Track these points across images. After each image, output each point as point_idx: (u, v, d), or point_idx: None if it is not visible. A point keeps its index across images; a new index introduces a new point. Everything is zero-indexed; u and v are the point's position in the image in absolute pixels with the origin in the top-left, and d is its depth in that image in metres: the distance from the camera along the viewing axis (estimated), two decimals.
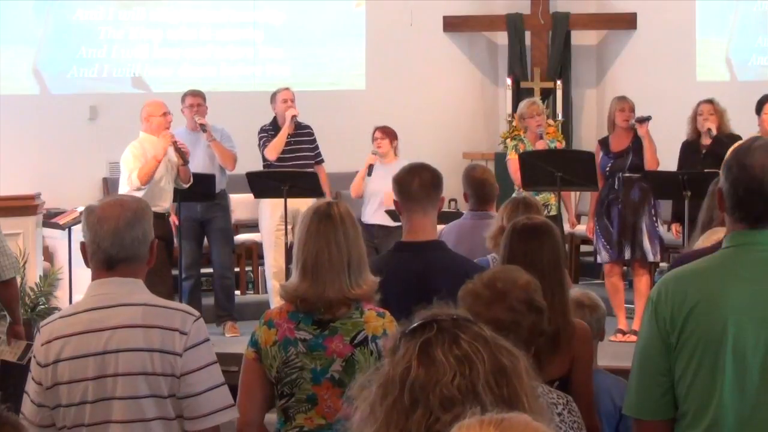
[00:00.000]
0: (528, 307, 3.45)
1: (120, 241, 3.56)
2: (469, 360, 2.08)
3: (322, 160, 10.07)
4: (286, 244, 9.37)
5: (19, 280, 6.30)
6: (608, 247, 9.20)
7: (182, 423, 3.57)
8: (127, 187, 8.78)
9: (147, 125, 9.05)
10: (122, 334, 3.54)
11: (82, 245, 3.66)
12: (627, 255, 9.14)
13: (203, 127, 9.64)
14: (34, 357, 3.64)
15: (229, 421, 3.70)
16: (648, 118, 9.16)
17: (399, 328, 2.21)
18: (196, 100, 9.86)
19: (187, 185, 9.14)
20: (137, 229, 3.58)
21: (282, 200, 9.30)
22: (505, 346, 2.13)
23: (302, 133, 10.01)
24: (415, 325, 2.16)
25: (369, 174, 9.75)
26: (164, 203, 8.91)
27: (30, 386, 3.64)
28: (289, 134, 9.92)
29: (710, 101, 9.26)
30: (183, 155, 8.97)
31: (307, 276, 4.00)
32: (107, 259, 3.58)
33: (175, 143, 8.94)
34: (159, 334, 3.53)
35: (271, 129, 9.97)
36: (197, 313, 3.64)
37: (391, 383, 2.10)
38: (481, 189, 6.40)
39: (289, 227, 9.31)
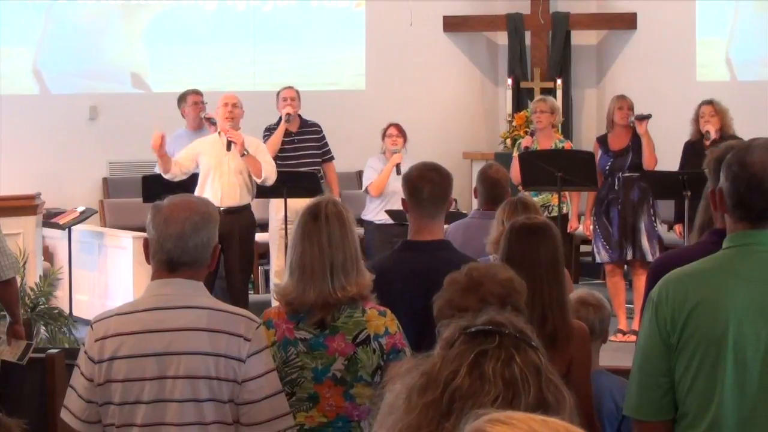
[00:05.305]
0: (501, 302, 3.39)
1: (184, 245, 3.51)
2: (516, 387, 2.00)
3: (331, 158, 10.02)
4: (286, 244, 9.34)
5: (19, 280, 6.28)
6: (607, 247, 9.19)
7: (239, 429, 3.54)
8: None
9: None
10: (186, 336, 3.50)
11: (145, 241, 3.61)
12: (629, 256, 9.12)
13: (211, 120, 9.50)
14: (85, 353, 3.57)
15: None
16: (648, 116, 9.14)
17: (460, 322, 2.09)
18: (199, 98, 9.87)
19: (261, 180, 8.76)
20: (202, 234, 3.53)
21: (283, 200, 9.30)
22: (555, 382, 2.04)
23: (308, 131, 9.97)
24: (479, 328, 2.06)
25: (398, 173, 9.62)
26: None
27: (77, 381, 3.58)
28: (293, 132, 9.90)
29: (711, 102, 9.19)
30: (228, 144, 8.73)
31: (293, 277, 4.02)
32: (169, 260, 3.54)
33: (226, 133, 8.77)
34: (224, 339, 3.50)
35: (275, 128, 9.93)
36: (259, 320, 3.63)
37: (435, 380, 2.03)
38: (493, 189, 6.40)
39: (290, 227, 9.26)
